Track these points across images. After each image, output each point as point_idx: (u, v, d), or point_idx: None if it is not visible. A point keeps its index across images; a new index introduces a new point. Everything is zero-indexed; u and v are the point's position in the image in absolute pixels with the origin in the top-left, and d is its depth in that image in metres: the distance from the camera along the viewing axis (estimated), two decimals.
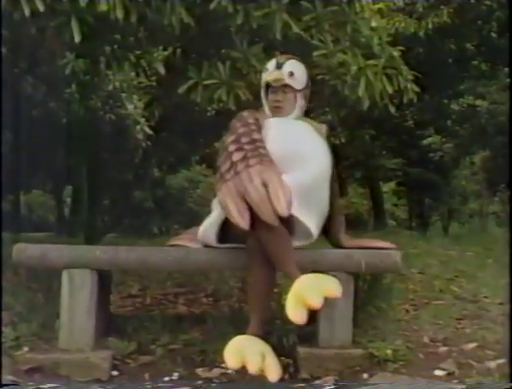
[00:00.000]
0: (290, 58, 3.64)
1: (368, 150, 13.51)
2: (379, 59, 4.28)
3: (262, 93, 3.65)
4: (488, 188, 16.25)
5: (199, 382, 3.18)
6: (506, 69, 10.69)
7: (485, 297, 4.49)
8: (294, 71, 3.58)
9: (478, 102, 12.44)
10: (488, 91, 11.60)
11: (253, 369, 2.94)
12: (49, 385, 2.99)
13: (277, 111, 3.59)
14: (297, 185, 3.26)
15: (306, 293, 2.89)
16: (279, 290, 4.05)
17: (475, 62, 11.57)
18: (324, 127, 3.70)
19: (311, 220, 3.31)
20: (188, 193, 16.28)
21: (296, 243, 3.29)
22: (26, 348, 3.36)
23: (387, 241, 3.72)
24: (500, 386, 2.93)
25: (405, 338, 3.58)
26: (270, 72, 3.58)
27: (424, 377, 3.13)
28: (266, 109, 3.63)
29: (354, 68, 4.14)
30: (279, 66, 3.57)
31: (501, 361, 3.23)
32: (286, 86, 3.56)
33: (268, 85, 3.61)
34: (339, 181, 3.88)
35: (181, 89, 4.16)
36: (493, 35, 10.46)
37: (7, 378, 3.01)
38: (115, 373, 3.29)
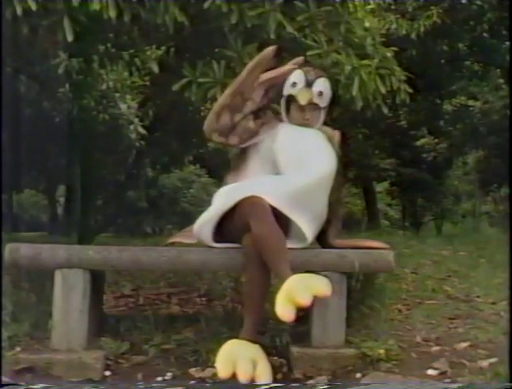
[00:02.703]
0: (319, 76, 3.62)
1: (361, 150, 13.51)
2: (373, 59, 4.29)
3: (283, 102, 3.64)
4: (480, 188, 16.30)
5: (192, 382, 3.17)
6: (498, 70, 10.74)
7: (478, 296, 4.50)
8: (323, 91, 3.59)
9: (470, 102, 12.48)
10: (480, 91, 11.64)
11: (243, 378, 2.93)
12: (46, 385, 2.96)
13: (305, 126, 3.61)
14: (295, 189, 3.28)
15: (296, 291, 2.89)
16: (272, 290, 4.06)
17: (468, 63, 11.59)
18: (337, 134, 3.71)
19: (306, 224, 3.32)
20: (181, 193, 16.28)
21: (290, 246, 3.28)
22: (18, 349, 3.35)
23: (380, 240, 3.73)
24: (493, 386, 2.92)
25: (398, 337, 3.58)
26: (299, 90, 3.55)
27: (417, 376, 3.13)
28: (284, 115, 3.63)
29: (348, 68, 4.15)
30: (309, 84, 3.55)
31: (494, 360, 3.23)
32: (313, 103, 3.57)
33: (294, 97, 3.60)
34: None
35: (176, 86, 4.15)
36: (485, 35, 10.50)
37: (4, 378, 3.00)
38: (108, 373, 3.28)
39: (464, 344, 3.51)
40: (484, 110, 11.92)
